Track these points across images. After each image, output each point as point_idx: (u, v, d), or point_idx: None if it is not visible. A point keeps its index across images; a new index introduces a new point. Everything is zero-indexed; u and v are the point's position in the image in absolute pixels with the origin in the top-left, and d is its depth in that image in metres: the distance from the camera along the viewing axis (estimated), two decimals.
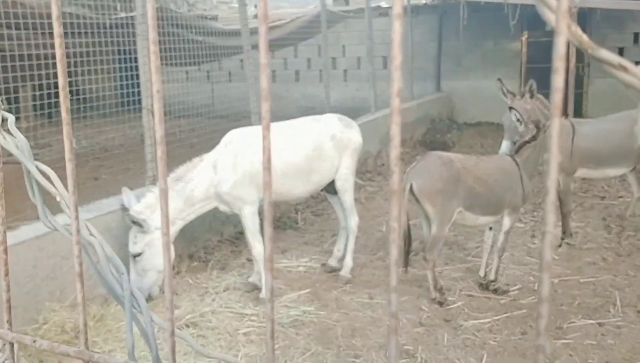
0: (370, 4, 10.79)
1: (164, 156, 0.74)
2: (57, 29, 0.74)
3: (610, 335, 4.50)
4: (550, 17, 0.52)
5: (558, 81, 0.49)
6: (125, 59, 7.09)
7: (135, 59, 5.70)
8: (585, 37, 0.50)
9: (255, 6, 12.19)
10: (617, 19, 11.55)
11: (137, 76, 5.70)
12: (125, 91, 6.46)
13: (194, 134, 8.52)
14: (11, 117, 0.81)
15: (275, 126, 5.36)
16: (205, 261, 6.00)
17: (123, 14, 7.48)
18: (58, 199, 0.78)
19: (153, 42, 0.67)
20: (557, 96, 0.54)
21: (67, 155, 0.81)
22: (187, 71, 11.63)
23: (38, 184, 0.76)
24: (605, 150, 6.22)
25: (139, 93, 5.76)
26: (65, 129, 0.83)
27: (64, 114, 0.82)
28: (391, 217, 0.62)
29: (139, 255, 4.72)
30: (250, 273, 5.56)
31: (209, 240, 6.35)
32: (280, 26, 10.66)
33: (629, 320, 4.70)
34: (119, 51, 7.53)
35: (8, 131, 0.88)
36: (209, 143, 7.36)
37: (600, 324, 4.67)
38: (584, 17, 11.09)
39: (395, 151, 0.57)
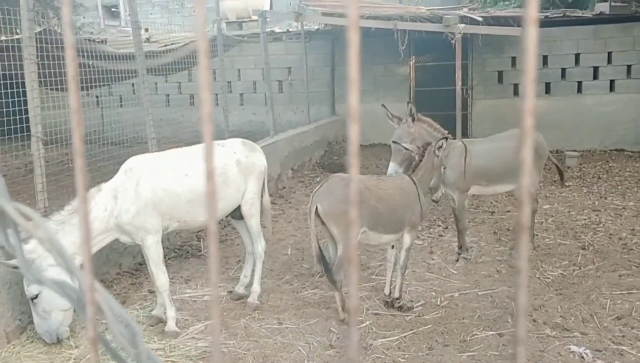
0: (265, 29, 10.85)
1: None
2: None
3: (511, 345, 4.70)
4: None
5: None
6: (9, 84, 6.64)
7: (22, 84, 5.34)
8: None
9: (147, 30, 11.89)
10: (497, 45, 12.36)
11: (25, 102, 5.35)
12: (9, 118, 6.05)
13: (85, 162, 8.11)
14: None
15: (178, 152, 5.21)
16: None
17: (3, 37, 7.04)
18: (46, 248, 0.67)
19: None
20: None
21: None
22: None
23: (17, 230, 0.64)
24: (495, 168, 6.57)
25: (26, 120, 5.40)
26: None
27: None
28: (519, 256, 0.52)
29: (35, 297, 4.39)
30: (153, 306, 5.34)
31: (107, 273, 6.03)
32: (174, 50, 10.45)
33: (526, 329, 4.95)
34: (3, 75, 7.05)
35: None
36: (101, 170, 7.06)
37: (500, 334, 4.89)
38: (466, 43, 11.76)
39: (525, 181, 0.50)
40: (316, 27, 13.42)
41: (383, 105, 6.43)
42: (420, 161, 5.52)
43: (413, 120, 6.24)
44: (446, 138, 5.64)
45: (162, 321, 5.08)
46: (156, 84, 14.28)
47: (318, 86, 13.41)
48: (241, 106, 14.26)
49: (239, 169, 5.32)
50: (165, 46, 10.90)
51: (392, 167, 6.08)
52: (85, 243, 0.65)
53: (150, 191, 4.75)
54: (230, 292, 5.80)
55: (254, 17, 12.46)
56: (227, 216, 5.71)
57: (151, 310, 5.29)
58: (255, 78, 14.03)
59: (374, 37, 11.52)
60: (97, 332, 0.68)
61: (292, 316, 5.28)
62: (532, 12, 0.44)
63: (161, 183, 4.80)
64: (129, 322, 0.68)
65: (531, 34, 0.42)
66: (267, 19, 11.25)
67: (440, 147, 5.48)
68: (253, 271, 5.68)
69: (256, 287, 5.56)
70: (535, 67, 0.44)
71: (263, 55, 10.83)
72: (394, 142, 6.07)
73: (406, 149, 5.82)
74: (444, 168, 5.67)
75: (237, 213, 5.54)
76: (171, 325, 4.96)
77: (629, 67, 12.21)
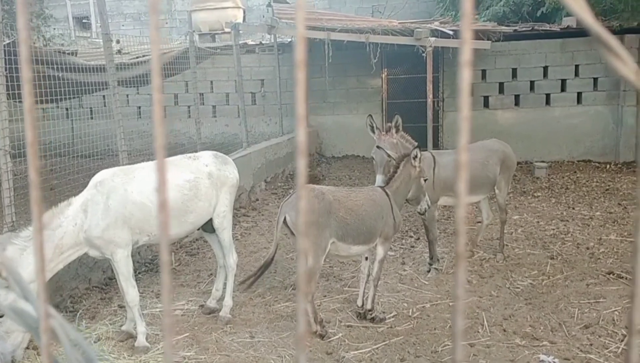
0: (237, 41, 10.87)
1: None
2: None
3: (481, 355, 4.77)
4: (622, 69, 0.52)
5: None
6: None
7: None
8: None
9: (118, 41, 11.81)
10: None
11: None
12: None
13: (54, 176, 8.01)
14: None
15: (149, 165, 5.17)
16: (72, 311, 5.60)
17: None
18: (4, 275, 0.67)
19: None
20: None
21: None
22: (43, 109, 10.97)
23: None
24: None
25: None
26: None
27: None
28: (457, 283, 0.55)
29: (1, 315, 4.29)
30: (123, 321, 5.27)
31: (76, 288, 5.95)
32: (146, 62, 10.41)
33: (496, 339, 5.02)
34: None
35: None
36: (71, 184, 6.98)
37: (471, 345, 4.94)
38: (437, 56, 11.93)
39: (461, 212, 0.53)
40: (289, 40, 13.47)
41: (370, 115, 6.42)
42: (395, 172, 5.55)
43: (397, 131, 6.25)
44: (419, 147, 5.67)
45: (132, 336, 5.03)
46: (127, 96, 14.19)
47: (291, 98, 13.43)
48: (214, 117, 14.22)
49: (210, 182, 5.30)
50: (137, 57, 10.86)
51: (380, 179, 5.92)
52: (39, 273, 0.66)
53: (121, 205, 4.71)
54: (201, 306, 5.77)
55: (227, 30, 12.47)
56: (198, 229, 5.68)
57: (121, 326, 5.22)
58: (228, 90, 14.01)
59: (347, 49, 11.61)
60: (53, 358, 0.68)
61: (264, 330, 5.27)
62: (466, 55, 0.47)
63: (131, 197, 4.76)
64: (85, 348, 0.69)
65: (465, 76, 0.45)
66: (240, 32, 11.27)
67: (416, 157, 5.51)
68: (225, 284, 5.65)
69: (228, 301, 5.53)
70: (468, 106, 0.46)
71: (236, 67, 10.84)
72: (378, 147, 6.05)
73: (389, 156, 5.84)
74: (425, 180, 5.66)
75: (209, 226, 5.52)
76: (141, 340, 4.91)
77: (595, 80, 12.49)
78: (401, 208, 5.78)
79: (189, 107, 13.84)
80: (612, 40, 0.55)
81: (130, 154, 7.69)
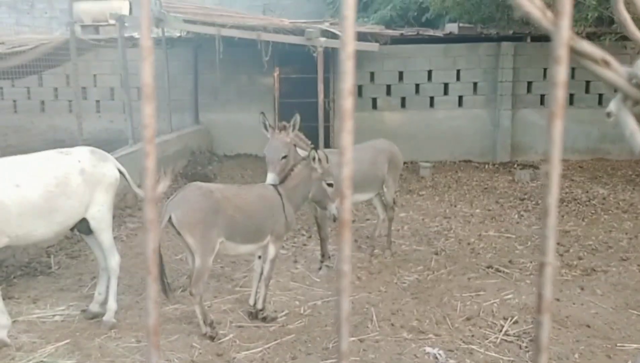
0: (122, 34, 10.42)
1: None
2: None
3: (371, 350, 4.86)
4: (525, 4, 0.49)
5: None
6: None
7: None
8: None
9: None
10: (356, 59, 12.69)
11: None
12: None
13: None
14: None
15: (12, 161, 4.80)
16: None
17: None
18: None
19: None
20: None
21: None
22: None
23: None
24: (355, 177, 6.76)
25: None
26: None
27: None
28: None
29: None
30: None
31: None
32: (22, 52, 9.71)
33: (385, 334, 5.14)
34: None
35: None
36: None
37: (361, 340, 5.02)
38: (328, 56, 12.07)
39: None
40: (178, 35, 13.11)
41: (262, 113, 6.32)
42: (292, 171, 5.49)
43: (293, 130, 6.18)
44: (315, 149, 5.64)
45: None
46: (2, 88, 13.22)
47: (180, 94, 13.09)
48: (97, 113, 13.55)
49: (83, 179, 4.96)
50: (13, 47, 10.11)
51: (271, 177, 5.77)
52: None
53: None
54: (83, 311, 5.46)
55: (112, 22, 11.92)
56: (77, 231, 5.35)
57: None
58: (113, 84, 13.40)
59: (238, 46, 11.48)
60: None
61: None
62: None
63: None
64: None
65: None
66: (126, 24, 10.81)
67: (315, 158, 5.45)
68: (108, 287, 5.38)
69: (112, 304, 5.26)
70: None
71: (121, 61, 10.39)
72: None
73: (284, 156, 5.75)
74: (329, 184, 5.55)
75: (84, 228, 5.20)
76: (1, 335, 4.65)
77: (475, 84, 13.18)
78: (298, 209, 5.73)
79: (69, 101, 13.10)
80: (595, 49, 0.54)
81: (4, 150, 7.15)
